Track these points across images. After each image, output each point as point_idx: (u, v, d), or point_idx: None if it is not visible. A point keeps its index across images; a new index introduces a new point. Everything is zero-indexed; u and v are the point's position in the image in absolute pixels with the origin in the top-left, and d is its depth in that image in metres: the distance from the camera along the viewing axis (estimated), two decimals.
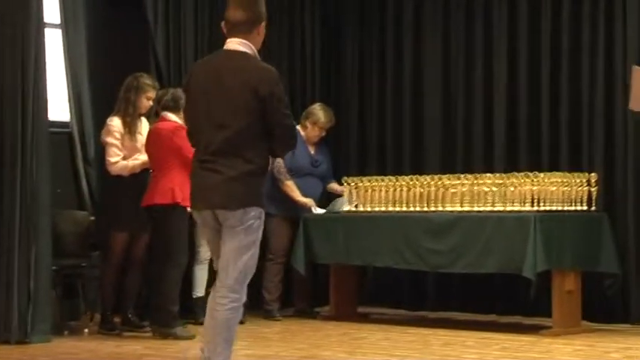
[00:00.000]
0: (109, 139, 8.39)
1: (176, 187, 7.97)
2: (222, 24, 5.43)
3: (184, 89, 5.62)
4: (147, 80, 8.47)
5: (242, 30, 5.37)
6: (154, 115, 8.58)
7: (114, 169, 8.38)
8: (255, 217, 5.28)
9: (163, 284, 8.09)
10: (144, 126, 8.54)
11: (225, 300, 5.24)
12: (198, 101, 5.34)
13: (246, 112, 5.23)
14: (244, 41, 5.37)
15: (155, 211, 8.09)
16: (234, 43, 5.38)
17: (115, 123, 8.40)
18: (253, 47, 5.39)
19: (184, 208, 7.87)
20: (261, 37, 5.46)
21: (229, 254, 5.25)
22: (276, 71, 5.38)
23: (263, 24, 5.43)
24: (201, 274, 9.01)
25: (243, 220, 5.24)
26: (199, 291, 9.02)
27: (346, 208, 9.14)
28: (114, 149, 8.37)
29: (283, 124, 5.32)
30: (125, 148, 8.40)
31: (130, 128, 8.39)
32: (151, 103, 8.45)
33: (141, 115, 8.50)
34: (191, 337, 7.96)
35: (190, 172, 5.44)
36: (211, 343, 5.25)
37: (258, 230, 5.32)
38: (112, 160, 8.38)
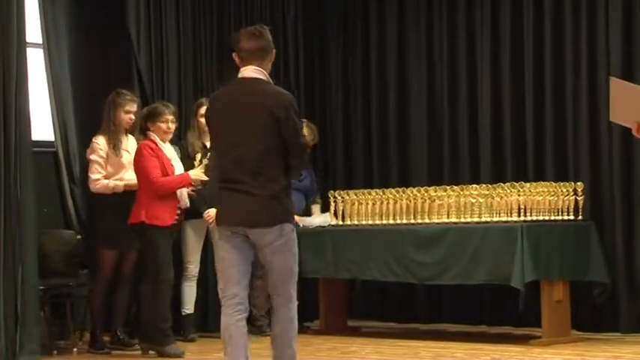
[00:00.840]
0: (92, 157, 8.44)
1: (142, 207, 8.07)
2: (235, 55, 5.84)
3: (206, 120, 6.02)
4: (124, 94, 8.48)
5: (257, 57, 5.78)
6: (138, 131, 8.56)
7: (95, 187, 8.43)
8: (291, 231, 5.71)
9: (152, 302, 8.07)
10: (130, 142, 8.53)
11: (289, 304, 5.70)
12: (221, 129, 5.76)
13: (265, 134, 5.64)
14: (258, 68, 5.77)
15: (138, 229, 8.13)
16: (249, 71, 5.78)
17: (100, 141, 8.43)
18: (266, 73, 5.80)
19: (159, 226, 8.03)
20: (271, 62, 5.88)
21: (281, 269, 5.66)
22: (291, 95, 5.82)
23: (274, 51, 5.86)
24: (189, 291, 9.00)
25: (281, 235, 5.63)
26: (188, 308, 9.01)
27: (317, 223, 9.16)
28: (96, 166, 8.40)
29: (298, 144, 5.73)
30: (111, 166, 8.39)
31: (115, 145, 8.38)
32: (131, 117, 8.45)
33: (127, 131, 8.49)
34: (181, 355, 7.92)
35: (218, 193, 5.76)
36: (284, 356, 5.71)
37: (296, 242, 5.74)
38: (93, 177, 8.42)
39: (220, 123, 5.77)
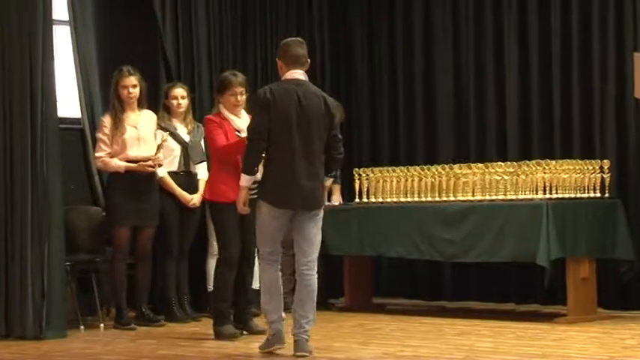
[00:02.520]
0: (98, 135, 8.58)
1: (217, 184, 7.65)
2: (279, 60, 6.84)
3: (263, 108, 6.72)
4: (122, 70, 8.52)
5: (302, 62, 6.85)
6: (162, 108, 8.77)
7: (97, 164, 8.58)
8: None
9: (214, 280, 7.85)
10: (143, 117, 8.57)
11: (313, 271, 6.82)
12: (285, 118, 6.67)
13: (323, 129, 6.76)
14: (303, 72, 6.84)
15: (208, 206, 8.02)
16: (299, 74, 6.82)
17: (105, 119, 8.55)
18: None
19: (222, 202, 7.56)
20: None
21: (314, 237, 6.82)
22: None
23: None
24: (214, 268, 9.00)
25: (320, 213, 6.84)
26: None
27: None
28: (100, 144, 8.51)
29: (341, 139, 6.93)
30: (115, 143, 8.46)
31: (116, 123, 8.44)
32: (129, 90, 8.48)
33: (137, 105, 8.53)
34: (236, 336, 7.60)
35: (277, 175, 6.71)
36: (308, 311, 6.79)
37: None
38: (97, 154, 8.55)
39: (285, 113, 6.65)
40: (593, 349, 6.85)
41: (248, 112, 7.68)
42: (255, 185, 7.01)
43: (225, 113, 7.75)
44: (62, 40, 9.15)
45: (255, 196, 7.00)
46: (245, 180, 6.86)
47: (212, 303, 7.86)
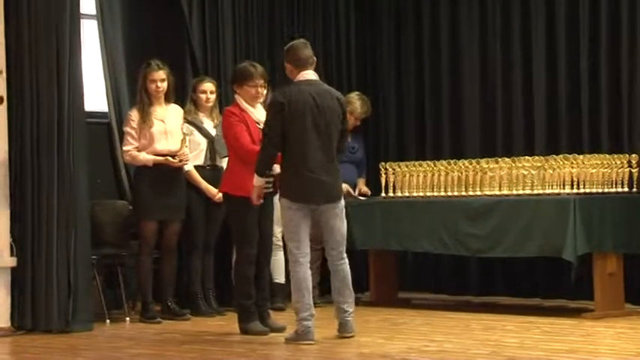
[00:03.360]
0: (125, 128, 8.56)
1: (234, 177, 7.56)
2: (288, 64, 7.16)
3: (279, 111, 7.04)
4: (150, 63, 8.51)
5: (311, 62, 7.19)
6: (189, 102, 8.78)
7: (126, 158, 8.58)
8: None
9: (234, 277, 7.80)
10: (170, 111, 8.58)
11: (344, 259, 7.26)
12: (301, 118, 7.01)
13: (338, 124, 7.17)
14: (314, 72, 7.20)
15: (225, 199, 7.79)
16: (311, 75, 7.18)
17: (132, 113, 8.54)
18: None
19: (242, 197, 7.41)
20: None
21: (339, 228, 7.22)
22: None
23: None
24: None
25: (340, 204, 7.24)
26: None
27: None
28: (128, 138, 8.51)
29: (347, 133, 7.55)
30: (143, 137, 8.47)
31: (144, 117, 8.44)
32: (157, 85, 8.48)
33: (164, 99, 8.53)
34: (265, 333, 7.49)
35: (297, 173, 7.05)
36: (347, 297, 7.23)
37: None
38: (124, 148, 8.55)
39: (302, 113, 7.00)
40: (621, 345, 6.81)
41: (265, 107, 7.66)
42: (271, 180, 7.37)
43: (244, 105, 7.64)
44: (90, 35, 9.18)
45: (271, 189, 7.47)
46: (257, 180, 7.17)
47: (236, 300, 7.78)
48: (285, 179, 7.15)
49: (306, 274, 7.13)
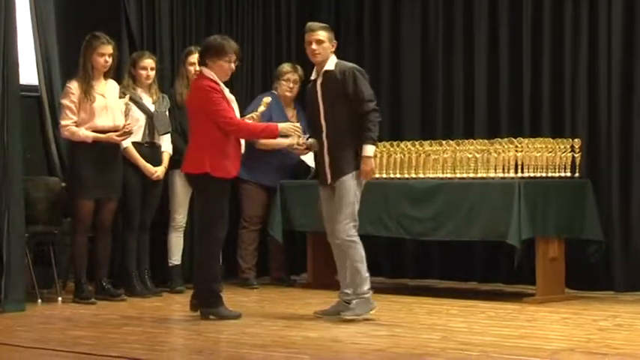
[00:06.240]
0: (64, 101, 8.23)
1: (205, 156, 7.16)
2: (330, 41, 7.34)
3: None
4: (98, 37, 8.22)
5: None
6: (127, 76, 8.58)
7: (64, 133, 8.23)
8: None
9: (200, 260, 7.41)
10: (109, 86, 8.31)
11: (338, 239, 7.33)
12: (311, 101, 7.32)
13: None
14: None
15: (198, 180, 7.30)
16: None
17: (72, 85, 8.21)
18: None
19: (223, 178, 7.17)
20: None
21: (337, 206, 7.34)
22: None
23: None
24: (176, 242, 8.86)
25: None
26: (175, 259, 8.86)
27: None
28: (66, 111, 8.19)
29: None
30: (83, 111, 8.18)
31: (87, 89, 8.15)
32: (106, 59, 8.21)
33: (104, 75, 8.26)
34: (237, 317, 7.22)
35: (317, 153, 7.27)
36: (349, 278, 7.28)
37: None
38: (63, 122, 8.22)
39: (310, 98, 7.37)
40: (569, 331, 6.78)
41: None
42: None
43: (218, 80, 7.26)
44: (19, 7, 8.81)
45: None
46: (371, 150, 7.27)
47: (201, 285, 7.29)
48: (355, 156, 7.23)
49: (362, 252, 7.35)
